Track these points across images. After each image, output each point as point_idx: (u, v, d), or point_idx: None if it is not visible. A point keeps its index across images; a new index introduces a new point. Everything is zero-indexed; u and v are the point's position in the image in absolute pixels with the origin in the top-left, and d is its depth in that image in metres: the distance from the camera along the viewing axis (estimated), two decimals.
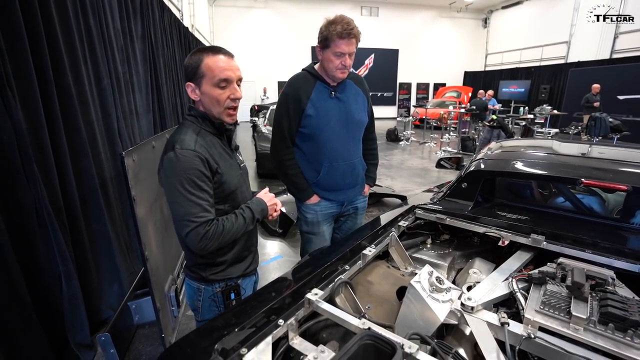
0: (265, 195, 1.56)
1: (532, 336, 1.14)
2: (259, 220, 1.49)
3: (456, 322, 1.30)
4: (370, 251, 1.52)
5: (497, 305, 1.41)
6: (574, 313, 1.14)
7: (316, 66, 2.11)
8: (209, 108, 1.40)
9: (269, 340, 1.06)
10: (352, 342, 0.96)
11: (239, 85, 1.41)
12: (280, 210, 1.71)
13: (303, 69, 2.15)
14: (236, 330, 1.03)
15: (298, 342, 1.18)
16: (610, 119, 8.40)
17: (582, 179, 1.68)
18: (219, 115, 1.41)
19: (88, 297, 2.50)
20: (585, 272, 1.38)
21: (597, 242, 1.54)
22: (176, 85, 6.45)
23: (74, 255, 2.37)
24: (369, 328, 1.00)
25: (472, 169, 2.06)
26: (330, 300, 1.34)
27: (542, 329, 1.17)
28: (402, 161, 9.27)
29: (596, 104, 10.00)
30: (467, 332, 1.33)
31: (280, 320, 1.13)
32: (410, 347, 0.94)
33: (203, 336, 1.04)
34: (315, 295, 1.22)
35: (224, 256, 1.46)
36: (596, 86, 10.29)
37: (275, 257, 4.11)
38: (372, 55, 20.49)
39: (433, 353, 1.11)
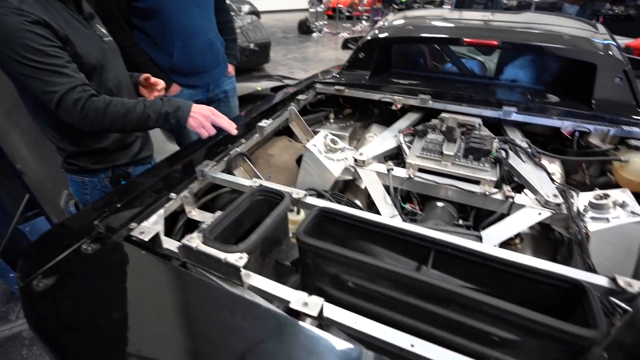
0: (202, 106, 1.18)
1: (412, 176, 1.30)
2: (168, 120, 1.15)
3: (351, 177, 1.41)
4: (266, 123, 1.49)
5: (387, 157, 1.55)
6: (444, 152, 1.31)
7: None
8: None
9: (161, 212, 1.03)
10: (242, 198, 0.98)
11: None
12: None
13: None
14: (119, 206, 0.97)
15: (197, 214, 1.18)
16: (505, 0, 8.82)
17: (464, 38, 1.76)
18: None
19: None
20: (459, 121, 1.55)
21: (471, 96, 1.71)
22: None
23: None
24: (260, 185, 1.02)
25: (368, 38, 2.02)
26: (228, 173, 1.32)
27: (421, 170, 1.33)
28: (316, 53, 8.94)
29: None
30: (362, 187, 1.46)
31: (173, 194, 1.10)
32: (298, 193, 0.99)
33: (87, 216, 0.96)
34: (207, 166, 1.18)
35: (103, 142, 1.31)
36: None
37: None
38: None
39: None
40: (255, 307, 0.68)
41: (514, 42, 1.71)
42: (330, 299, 0.89)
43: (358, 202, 1.45)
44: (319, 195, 1.24)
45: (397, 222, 0.88)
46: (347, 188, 1.56)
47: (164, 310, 0.68)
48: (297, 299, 0.68)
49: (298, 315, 0.69)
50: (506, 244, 1.28)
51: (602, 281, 0.73)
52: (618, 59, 1.60)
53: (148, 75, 1.44)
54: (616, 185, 1.38)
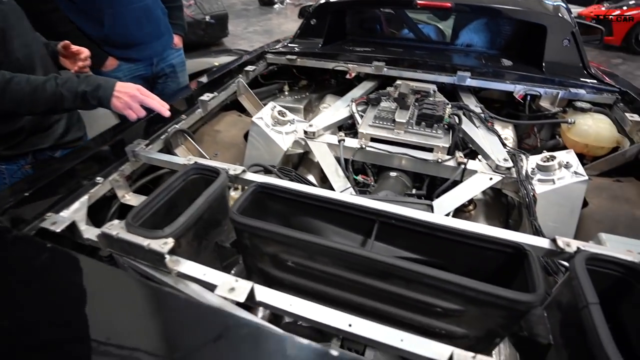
0: (127, 84, 1.03)
1: (364, 147, 1.24)
2: (88, 100, 1.00)
3: (302, 150, 1.34)
4: (208, 97, 1.37)
5: (341, 128, 1.49)
6: (397, 120, 1.26)
7: None
8: None
9: (84, 199, 0.92)
10: (174, 178, 0.89)
11: None
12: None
13: None
14: (27, 195, 0.85)
15: (131, 198, 1.07)
16: None
17: (417, 1, 1.69)
18: None
19: None
20: (412, 88, 1.50)
21: (426, 62, 1.66)
22: None
23: None
24: (195, 163, 0.93)
25: (319, 3, 1.91)
26: (167, 152, 1.22)
27: (373, 139, 1.28)
28: (279, 25, 8.58)
29: None
30: (316, 160, 1.40)
31: (99, 178, 0.98)
32: (236, 169, 0.92)
33: None
34: (138, 146, 1.07)
35: (15, 124, 1.15)
36: None
37: None
38: None
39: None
40: (176, 299, 0.61)
41: (467, 4, 1.66)
42: (272, 280, 0.85)
43: (312, 177, 1.40)
44: (266, 170, 1.16)
45: (341, 195, 0.83)
46: (301, 162, 1.50)
47: (66, 310, 0.60)
48: (223, 284, 0.61)
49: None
50: (460, 211, 1.28)
51: (544, 243, 0.72)
52: (567, 21, 1.60)
53: (67, 42, 1.26)
54: (564, 148, 1.40)
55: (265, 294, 0.63)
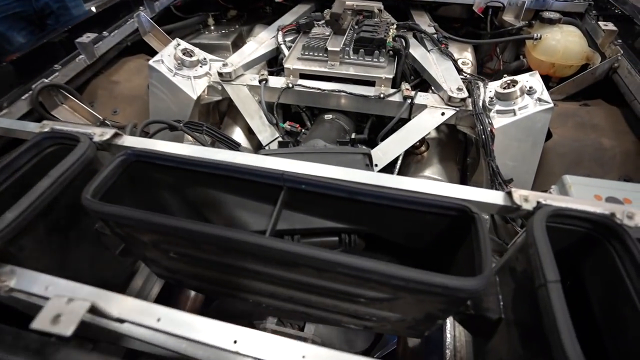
0: None
1: (291, 85, 1.01)
2: None
3: (220, 97, 1.09)
4: (89, 37, 1.06)
5: (273, 64, 1.24)
6: (329, 48, 1.01)
7: None
8: None
9: None
10: (19, 153, 0.65)
11: None
12: None
13: None
14: None
15: None
16: None
17: None
18: None
19: None
20: (353, 8, 1.24)
21: None
22: None
23: None
24: (51, 129, 0.69)
25: None
26: (40, 117, 0.95)
27: (303, 76, 1.05)
28: None
29: None
30: None
31: None
32: (103, 133, 0.68)
33: None
34: None
35: None
36: None
37: None
38: None
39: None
40: None
41: None
42: (170, 270, 0.67)
43: (238, 129, 1.17)
44: (172, 127, 0.93)
45: (239, 156, 0.63)
46: (229, 110, 1.26)
47: None
48: (48, 308, 0.42)
49: None
50: (411, 154, 1.11)
51: (497, 199, 0.57)
52: None
53: None
54: (529, 70, 1.22)
55: (128, 309, 0.45)
